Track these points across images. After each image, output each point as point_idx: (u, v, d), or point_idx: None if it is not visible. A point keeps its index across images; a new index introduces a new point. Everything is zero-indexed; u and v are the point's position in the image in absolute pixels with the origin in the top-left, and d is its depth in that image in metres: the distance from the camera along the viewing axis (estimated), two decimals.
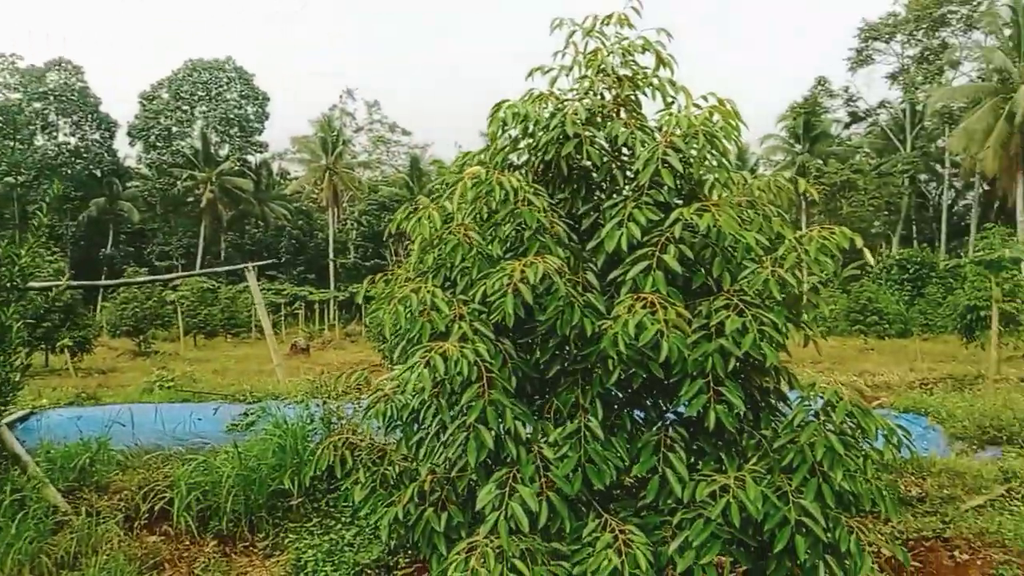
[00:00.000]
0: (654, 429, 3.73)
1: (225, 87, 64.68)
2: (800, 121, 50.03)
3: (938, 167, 52.09)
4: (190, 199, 58.16)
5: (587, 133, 3.89)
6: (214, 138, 62.07)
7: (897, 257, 41.87)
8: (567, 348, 3.77)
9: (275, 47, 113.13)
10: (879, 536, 5.33)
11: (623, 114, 4.15)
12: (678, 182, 3.78)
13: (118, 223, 59.74)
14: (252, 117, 65.64)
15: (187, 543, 5.54)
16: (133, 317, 29.73)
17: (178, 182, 56.55)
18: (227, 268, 16.81)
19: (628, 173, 4.08)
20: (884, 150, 53.50)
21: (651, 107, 4.17)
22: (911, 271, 39.98)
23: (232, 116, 64.09)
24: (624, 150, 4.17)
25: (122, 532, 5.57)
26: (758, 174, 4.37)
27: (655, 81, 4.09)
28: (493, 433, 3.40)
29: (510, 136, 4.21)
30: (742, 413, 3.55)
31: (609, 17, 4.23)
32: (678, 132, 3.71)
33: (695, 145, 3.71)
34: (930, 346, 26.57)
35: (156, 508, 5.78)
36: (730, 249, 3.75)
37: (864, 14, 58.73)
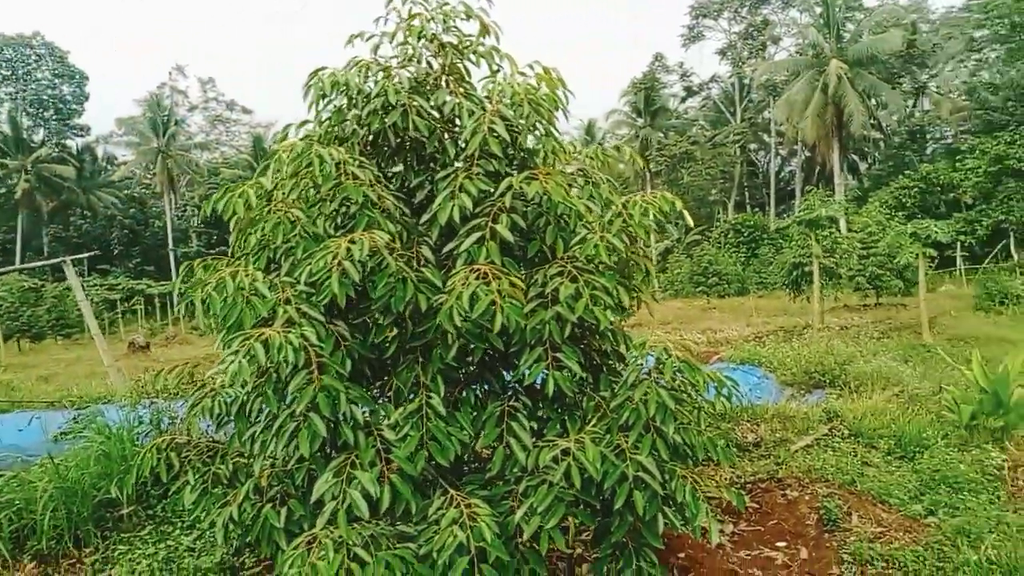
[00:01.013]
0: (498, 401, 3.71)
1: (35, 65, 58.45)
2: (641, 96, 52.17)
3: (765, 136, 56.10)
4: (2, 190, 52.27)
5: (413, 102, 3.76)
6: (26, 122, 56.02)
7: (732, 222, 44.90)
8: (404, 326, 3.65)
9: (275, 47, 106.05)
10: (717, 483, 5.65)
11: (450, 83, 4.05)
12: (508, 151, 3.75)
13: None
14: (69, 98, 59.84)
15: None
16: None
17: None
18: (42, 263, 15.24)
19: (460, 144, 4.00)
20: (717, 122, 56.98)
21: (481, 76, 4.11)
22: (745, 234, 43.07)
23: (45, 97, 58.11)
24: (457, 120, 4.09)
25: None
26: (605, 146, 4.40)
27: (480, 48, 4.01)
28: (327, 420, 3.24)
29: (335, 107, 4.01)
30: (582, 377, 3.60)
31: None
32: (506, 101, 3.66)
33: (521, 113, 3.68)
34: (765, 302, 28.72)
35: None
36: (564, 217, 3.78)
37: None
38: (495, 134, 3.58)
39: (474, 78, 4.19)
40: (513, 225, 3.55)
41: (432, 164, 4.13)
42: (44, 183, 52.00)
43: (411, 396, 3.58)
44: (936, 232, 14.39)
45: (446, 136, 3.98)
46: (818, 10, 42.69)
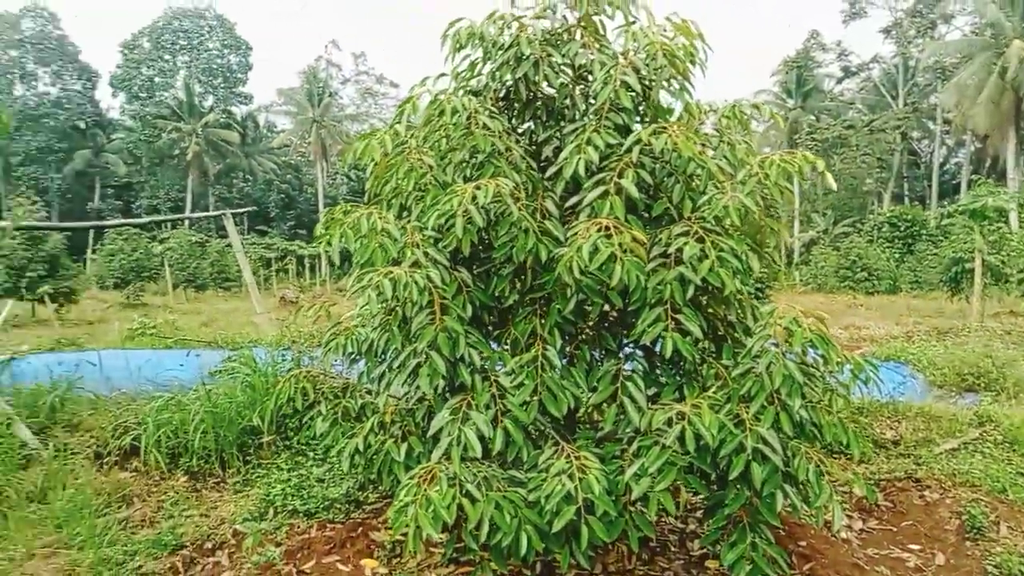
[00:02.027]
0: (613, 360, 3.69)
1: (207, 36, 63.29)
2: (792, 75, 49.41)
3: (930, 124, 51.69)
4: (176, 151, 57.25)
5: (545, 54, 3.75)
6: (198, 89, 60.89)
7: (888, 214, 41.79)
8: (524, 277, 3.69)
9: (281, 44, 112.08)
10: (849, 474, 5.35)
11: (584, 36, 4.01)
12: (639, 106, 3.67)
13: (104, 176, 58.89)
14: (235, 67, 64.40)
15: (157, 479, 5.54)
16: (120, 269, 29.54)
17: (163, 134, 55.53)
18: (205, 215, 16.66)
19: (591, 99, 3.97)
20: (876, 106, 52.96)
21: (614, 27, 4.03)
22: (902, 228, 39.96)
23: (215, 66, 62.83)
24: (589, 75, 4.05)
25: (92, 468, 5.57)
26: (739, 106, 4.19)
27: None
28: (447, 360, 3.34)
29: (471, 60, 4.08)
30: (703, 344, 3.50)
31: None
32: (642, 55, 3.58)
33: (655, 66, 3.59)
34: (919, 302, 26.69)
35: (126, 446, 5.78)
36: (696, 177, 3.67)
37: None
38: (626, 86, 3.52)
39: (609, 33, 4.13)
40: (640, 182, 3.48)
41: (561, 119, 4.13)
42: (212, 147, 56.53)
43: (527, 347, 3.62)
44: None
45: (576, 91, 3.95)
46: None
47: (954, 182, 51.96)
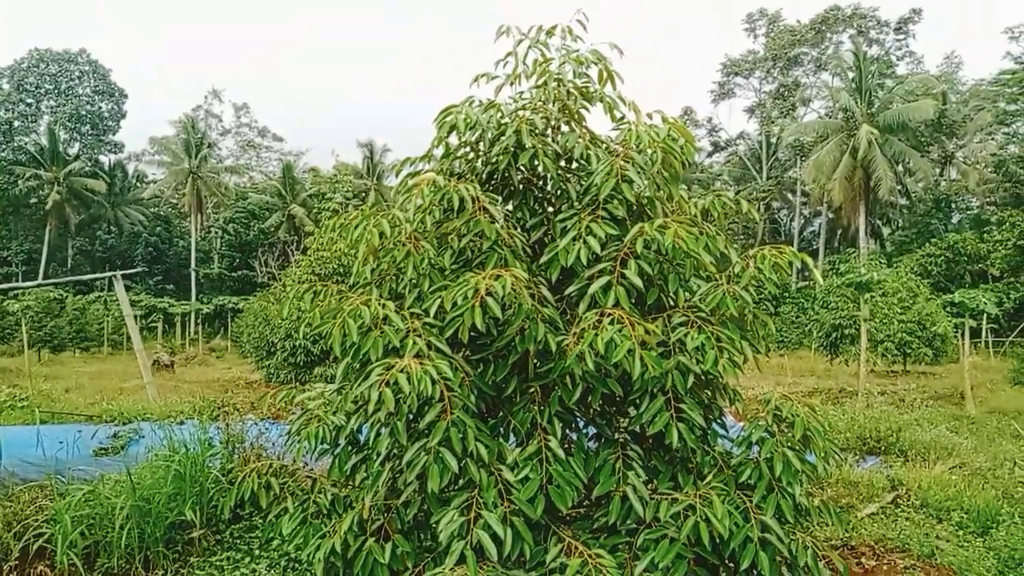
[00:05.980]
0: (610, 448, 3.64)
1: (77, 81, 59.82)
2: None
3: (790, 196, 56.26)
4: (33, 200, 53.05)
5: (543, 144, 3.78)
6: (63, 135, 57.05)
7: None
8: (524, 365, 3.61)
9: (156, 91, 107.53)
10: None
11: (572, 127, 4.08)
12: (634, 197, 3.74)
13: None
14: (107, 115, 61.04)
15: None
16: None
17: (20, 181, 51.36)
18: (92, 277, 15.36)
19: (577, 188, 4.01)
20: (742, 178, 57.13)
21: (591, 121, 4.14)
22: (767, 292, 42.84)
23: (84, 112, 59.33)
24: (573, 163, 4.11)
25: None
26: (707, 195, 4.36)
27: (607, 95, 4.04)
28: (456, 456, 3.18)
29: (450, 144, 4.04)
30: (703, 430, 3.54)
31: (553, 28, 4.18)
32: (641, 147, 3.67)
33: (654, 161, 3.69)
34: (789, 362, 28.41)
35: (32, 547, 5.03)
36: (679, 266, 3.77)
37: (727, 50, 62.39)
38: (627, 179, 3.58)
39: (588, 123, 4.22)
40: (640, 272, 3.52)
41: (546, 205, 4.14)
42: (75, 196, 52.83)
43: (527, 437, 3.52)
44: (984, 303, 14.22)
45: (567, 179, 3.99)
46: (851, 75, 43.08)
47: (812, 248, 56.44)
